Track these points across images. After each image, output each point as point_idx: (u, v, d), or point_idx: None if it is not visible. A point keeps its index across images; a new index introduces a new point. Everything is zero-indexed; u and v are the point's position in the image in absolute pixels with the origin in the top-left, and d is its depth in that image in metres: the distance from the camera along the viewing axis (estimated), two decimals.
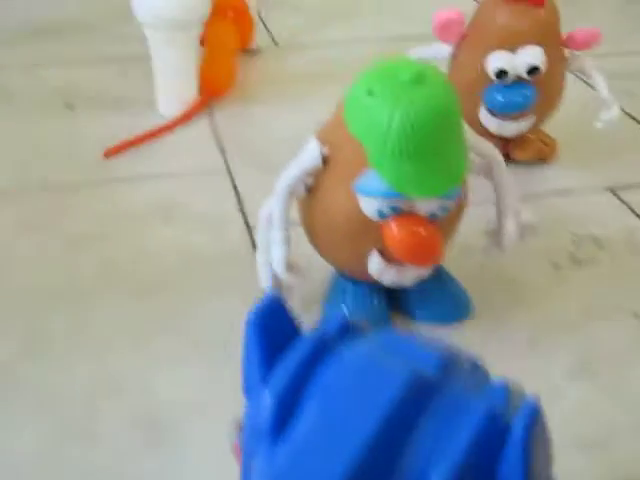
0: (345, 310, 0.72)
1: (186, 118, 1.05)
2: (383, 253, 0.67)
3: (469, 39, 0.92)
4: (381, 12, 1.41)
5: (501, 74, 0.88)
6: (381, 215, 0.64)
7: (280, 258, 0.69)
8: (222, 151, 1.00)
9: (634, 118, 1.10)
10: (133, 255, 0.83)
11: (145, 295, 0.78)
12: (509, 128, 0.93)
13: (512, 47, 0.89)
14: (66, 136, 1.04)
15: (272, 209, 0.68)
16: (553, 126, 0.99)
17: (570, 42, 0.91)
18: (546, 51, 0.89)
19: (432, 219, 0.65)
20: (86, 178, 0.95)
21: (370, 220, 0.65)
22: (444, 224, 0.67)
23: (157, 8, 1.01)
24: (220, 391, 0.66)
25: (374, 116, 0.62)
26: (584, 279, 0.80)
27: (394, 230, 0.64)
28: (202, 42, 1.16)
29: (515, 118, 0.93)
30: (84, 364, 0.71)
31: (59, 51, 1.25)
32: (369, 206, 0.64)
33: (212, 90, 1.09)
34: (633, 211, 0.90)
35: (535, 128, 0.96)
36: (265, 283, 0.72)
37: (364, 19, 1.37)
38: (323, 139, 0.67)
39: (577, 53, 0.93)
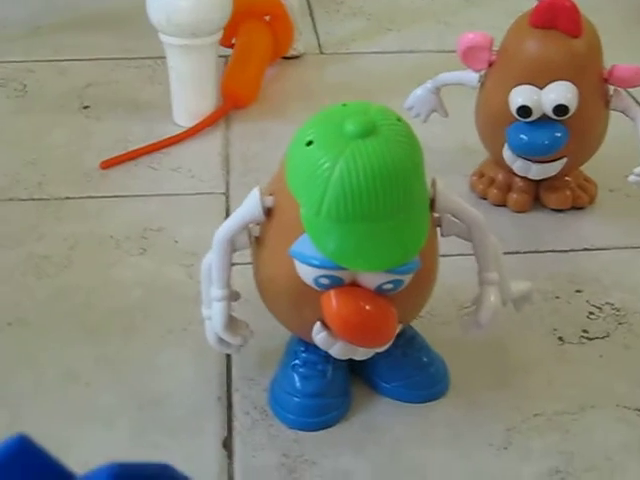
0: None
1: (197, 131, 0.97)
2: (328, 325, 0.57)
3: (496, 68, 0.81)
4: (443, 22, 1.30)
5: (523, 112, 0.77)
6: (319, 285, 0.55)
7: (218, 316, 0.60)
8: (226, 172, 0.92)
9: None
10: (94, 285, 0.76)
11: (92, 334, 0.71)
12: (536, 171, 0.82)
13: (540, 81, 0.77)
14: (73, 140, 0.97)
15: (211, 261, 0.59)
16: (595, 167, 0.88)
17: (612, 78, 0.79)
18: (581, 88, 0.77)
19: (381, 292, 0.55)
20: (75, 190, 0.89)
21: (312, 288, 0.56)
22: (401, 297, 0.56)
23: (171, 12, 0.93)
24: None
25: (309, 171, 0.52)
26: (590, 360, 0.69)
27: (333, 304, 0.55)
28: (231, 45, 1.08)
29: (543, 160, 0.81)
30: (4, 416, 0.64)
31: (84, 46, 1.18)
32: (306, 274, 0.55)
33: (233, 100, 1.01)
34: None
35: (571, 171, 0.84)
36: (210, 340, 0.63)
37: (423, 29, 1.27)
38: (272, 188, 0.58)
39: (621, 91, 0.80)
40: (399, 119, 0.54)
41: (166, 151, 0.95)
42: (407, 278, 0.56)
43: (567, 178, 0.85)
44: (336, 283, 0.55)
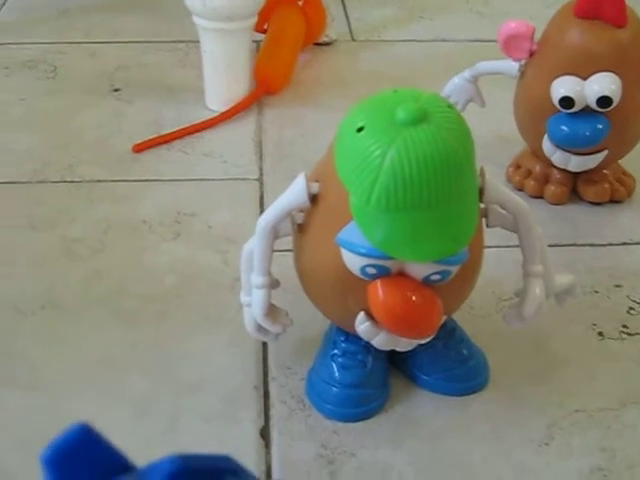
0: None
1: (229, 115, 0.96)
2: (372, 314, 0.56)
3: (537, 57, 0.80)
4: (476, 12, 1.28)
5: (566, 103, 0.76)
6: (365, 274, 0.54)
7: (258, 304, 0.59)
8: (260, 157, 0.91)
9: None
10: (128, 270, 0.75)
11: (126, 321, 0.70)
12: (575, 163, 0.81)
13: (584, 72, 0.76)
14: (104, 122, 0.97)
15: (253, 247, 0.58)
16: (634, 160, 0.86)
17: None
18: (625, 79, 0.76)
19: (428, 283, 0.54)
20: (107, 173, 0.88)
21: (357, 277, 0.55)
22: (446, 289, 0.55)
23: None
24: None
25: (359, 158, 0.51)
26: (631, 355, 0.68)
27: (380, 293, 0.54)
28: (264, 31, 1.06)
29: (583, 152, 0.80)
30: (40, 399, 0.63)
31: (115, 28, 1.17)
32: (352, 263, 0.54)
33: (265, 86, 1.00)
34: None
35: (610, 164, 0.83)
36: (248, 327, 0.62)
37: (455, 18, 1.25)
38: (317, 174, 0.57)
39: None
40: (450, 106, 0.53)
41: (198, 135, 0.94)
42: (455, 269, 0.55)
43: (605, 171, 0.84)
44: (383, 273, 0.54)
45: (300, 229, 0.59)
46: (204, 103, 0.99)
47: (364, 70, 1.10)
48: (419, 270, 0.54)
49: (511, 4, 1.29)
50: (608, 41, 0.76)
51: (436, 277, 0.54)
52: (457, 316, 0.64)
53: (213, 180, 0.87)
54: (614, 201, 0.86)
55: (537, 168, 0.85)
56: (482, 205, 0.58)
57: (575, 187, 0.85)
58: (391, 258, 0.53)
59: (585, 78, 0.76)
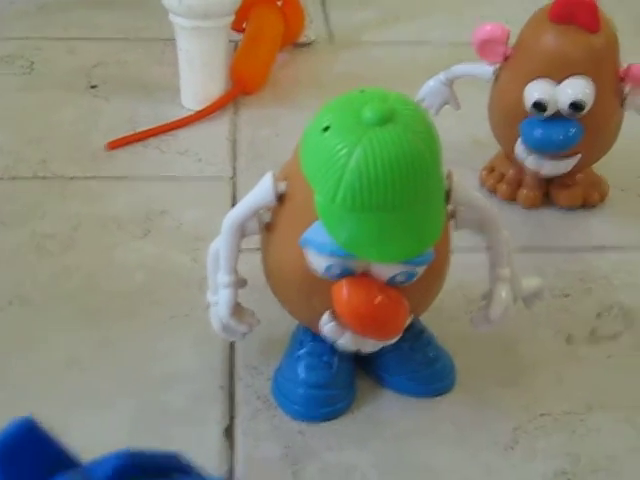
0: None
1: (205, 114, 0.96)
2: (337, 315, 0.56)
3: (512, 61, 0.80)
4: (456, 14, 1.28)
5: (539, 107, 0.76)
6: (330, 274, 0.54)
7: (224, 303, 0.59)
8: (234, 156, 0.90)
9: None
10: (97, 267, 0.75)
11: (94, 318, 0.69)
12: (548, 167, 0.81)
13: (557, 76, 0.76)
14: (79, 119, 0.96)
15: (219, 246, 0.58)
16: (607, 165, 0.86)
17: (628, 77, 0.77)
18: (598, 84, 0.76)
19: (394, 284, 0.54)
20: (81, 170, 0.87)
21: (322, 277, 0.54)
22: (412, 289, 0.55)
23: None
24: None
25: (325, 157, 0.51)
26: (599, 360, 0.68)
27: (344, 293, 0.54)
28: (242, 30, 1.06)
29: (556, 157, 0.80)
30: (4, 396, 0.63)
31: (93, 24, 1.17)
32: (317, 262, 0.54)
33: (241, 85, 0.99)
34: None
35: (583, 168, 0.83)
36: (214, 326, 0.62)
37: (436, 20, 1.25)
38: (285, 173, 0.57)
39: (637, 90, 0.79)
40: (417, 107, 0.53)
41: (174, 134, 0.94)
42: (420, 270, 0.55)
43: (578, 176, 0.84)
44: (348, 273, 0.54)
45: (267, 228, 0.59)
46: (180, 101, 0.99)
47: (342, 72, 1.10)
48: (384, 271, 0.54)
49: (490, 7, 1.29)
50: (582, 46, 0.76)
51: (401, 278, 0.54)
52: (425, 318, 0.64)
53: (186, 178, 0.87)
54: (587, 206, 0.86)
55: (510, 172, 0.85)
56: (450, 207, 0.58)
57: (548, 191, 0.85)
58: (356, 258, 0.53)
59: (558, 82, 0.76)
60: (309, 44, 1.15)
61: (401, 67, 1.11)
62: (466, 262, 0.68)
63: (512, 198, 0.85)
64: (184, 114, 0.96)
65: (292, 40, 1.11)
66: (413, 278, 0.55)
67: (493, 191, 0.86)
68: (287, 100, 1.02)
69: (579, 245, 0.81)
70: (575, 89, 0.75)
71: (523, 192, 0.85)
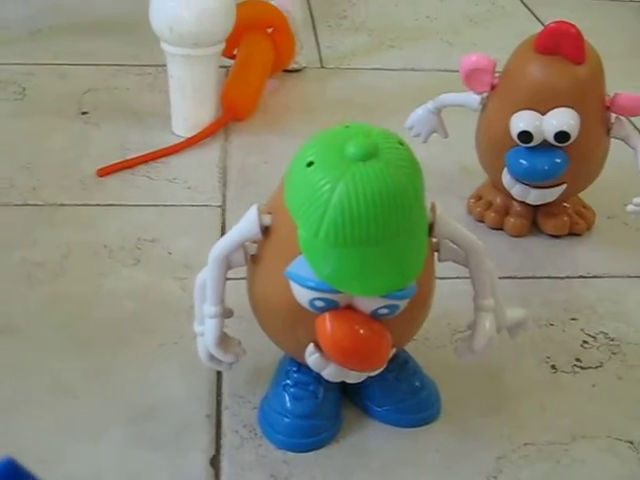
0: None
1: (195, 141, 0.96)
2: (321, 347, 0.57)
3: (498, 91, 0.81)
4: (446, 41, 1.29)
5: (524, 137, 0.76)
6: (314, 307, 0.54)
7: (210, 333, 0.60)
8: (224, 183, 0.91)
9: None
10: (86, 295, 0.75)
11: (83, 346, 0.70)
12: (534, 196, 0.82)
13: (543, 107, 0.77)
14: (70, 145, 0.97)
15: (206, 277, 0.59)
16: (594, 193, 0.87)
17: (614, 106, 0.78)
18: (583, 115, 0.77)
19: (377, 317, 0.55)
20: (71, 197, 0.88)
21: (307, 309, 0.55)
22: (395, 322, 0.56)
23: (174, 22, 0.92)
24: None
25: (308, 193, 0.52)
26: (583, 389, 0.68)
27: (327, 327, 0.54)
28: (233, 56, 1.07)
29: (542, 186, 0.81)
30: None
31: (85, 51, 1.18)
32: (301, 295, 0.55)
33: (232, 112, 1.00)
34: None
35: (569, 197, 0.83)
36: (201, 356, 0.62)
37: (425, 47, 1.27)
38: (270, 206, 0.57)
39: (622, 119, 0.80)
40: (401, 143, 0.54)
41: (164, 161, 0.95)
42: (403, 303, 0.55)
43: (565, 204, 0.85)
44: (331, 306, 0.54)
45: (253, 260, 0.59)
46: (171, 128, 0.99)
47: (332, 98, 1.11)
48: (367, 304, 0.54)
49: (480, 35, 1.30)
50: (567, 77, 0.77)
51: (384, 311, 0.55)
52: (411, 347, 0.65)
53: (176, 206, 0.88)
54: (573, 234, 0.86)
55: (498, 200, 0.86)
56: (434, 239, 0.59)
57: (535, 219, 0.86)
58: (339, 292, 0.53)
59: (544, 113, 0.77)
60: (300, 70, 1.16)
61: (391, 93, 1.12)
62: (452, 290, 0.69)
63: (499, 226, 0.86)
64: (175, 141, 0.97)
65: (282, 66, 1.12)
66: (396, 311, 0.55)
67: (481, 219, 0.87)
68: (277, 126, 1.02)
69: (565, 274, 0.82)
70: (560, 120, 0.76)
71: (510, 220, 0.86)
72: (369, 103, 1.09)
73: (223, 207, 0.88)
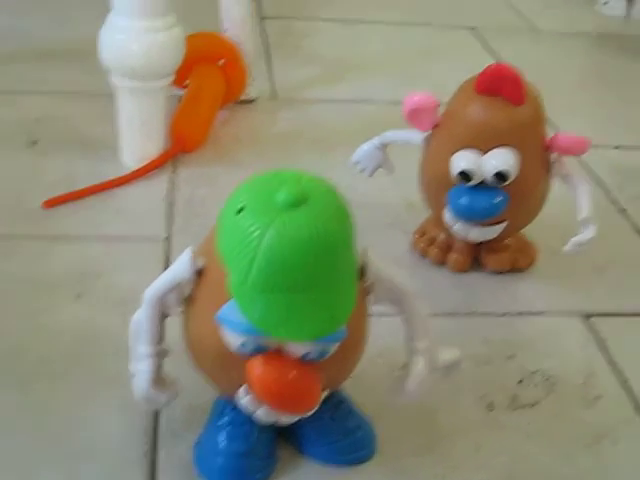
0: None
1: (142, 173, 0.97)
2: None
3: (440, 130, 0.81)
4: (399, 73, 1.30)
5: (464, 177, 0.77)
6: (244, 351, 0.55)
7: (144, 374, 0.60)
8: (169, 217, 0.91)
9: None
10: (24, 331, 0.74)
11: (20, 383, 0.70)
12: (475, 234, 0.83)
13: (483, 147, 0.78)
14: (18, 175, 0.97)
15: (140, 318, 0.59)
16: (537, 229, 0.89)
17: (553, 146, 0.79)
18: (523, 154, 0.78)
19: (307, 361, 0.55)
20: (14, 229, 0.87)
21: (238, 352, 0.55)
22: (327, 365, 0.56)
23: (123, 55, 0.92)
24: None
25: (238, 239, 0.52)
26: (520, 427, 0.69)
27: (256, 371, 0.54)
28: (185, 87, 1.08)
29: (483, 223, 0.82)
30: None
31: (35, 78, 1.17)
32: (231, 339, 0.55)
33: (181, 144, 1.00)
34: (603, 345, 0.78)
35: (510, 235, 0.85)
36: (136, 395, 0.62)
37: (379, 79, 1.28)
38: (204, 249, 0.58)
39: (564, 159, 0.81)
40: (331, 189, 0.54)
41: (111, 192, 0.94)
42: (333, 347, 0.56)
43: (507, 241, 0.86)
44: (261, 350, 0.55)
45: (187, 301, 0.59)
46: (120, 159, 1.00)
47: (283, 130, 1.11)
48: (297, 348, 0.55)
49: (434, 68, 1.31)
50: (507, 118, 0.78)
51: (314, 355, 0.55)
52: (346, 386, 0.65)
53: (121, 238, 0.88)
54: (516, 270, 0.87)
55: (441, 236, 0.87)
56: (367, 282, 0.59)
57: (478, 256, 0.87)
58: (269, 336, 0.54)
59: (484, 152, 0.78)
60: (251, 101, 1.16)
61: (341, 126, 1.13)
62: (389, 328, 0.69)
63: (442, 262, 0.87)
64: (122, 172, 0.97)
65: (234, 98, 1.13)
66: (326, 355, 0.56)
67: (424, 255, 0.88)
68: (226, 158, 1.03)
69: (506, 310, 0.82)
70: (500, 160, 0.77)
71: (453, 256, 0.87)
72: (319, 135, 1.09)
73: (168, 241, 0.88)
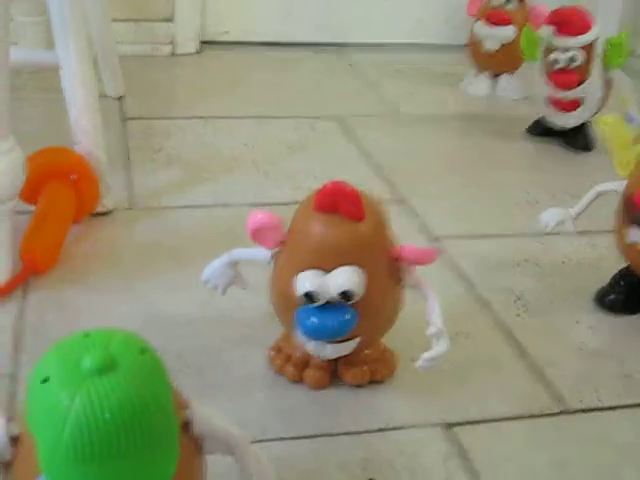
0: None
1: None
2: None
3: (286, 248, 0.80)
4: (263, 172, 1.29)
5: (309, 298, 0.76)
6: None
7: None
8: (17, 348, 0.87)
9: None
10: None
11: None
12: (330, 351, 0.81)
13: (326, 266, 0.76)
14: None
15: None
16: (398, 336, 0.87)
17: (400, 258, 0.78)
18: (368, 270, 0.77)
19: None
20: None
21: None
22: None
23: None
24: None
25: (45, 411, 0.49)
26: None
27: None
28: (36, 202, 1.05)
29: (336, 341, 0.80)
30: None
31: None
32: None
33: (30, 266, 0.97)
34: (465, 457, 0.76)
35: (365, 348, 0.83)
36: None
37: (241, 179, 1.27)
38: (20, 414, 0.54)
39: (412, 269, 0.80)
40: (143, 351, 0.52)
41: None
42: None
43: (365, 352, 0.84)
44: None
45: (5, 468, 0.56)
46: None
47: (140, 241, 1.09)
48: None
49: (299, 162, 1.31)
50: (348, 235, 0.77)
51: None
52: None
53: None
54: (375, 381, 0.86)
55: (297, 353, 0.85)
56: (197, 436, 0.57)
57: (336, 368, 0.85)
58: None
59: (328, 271, 0.76)
60: (107, 213, 1.14)
61: (202, 232, 1.11)
62: None
63: (299, 379, 0.85)
64: None
65: (88, 212, 1.10)
66: None
67: (281, 372, 0.86)
68: (79, 279, 1.00)
69: (364, 427, 0.81)
70: (344, 279, 0.76)
71: (310, 372, 0.85)
72: (177, 245, 1.07)
73: (14, 375, 0.84)
